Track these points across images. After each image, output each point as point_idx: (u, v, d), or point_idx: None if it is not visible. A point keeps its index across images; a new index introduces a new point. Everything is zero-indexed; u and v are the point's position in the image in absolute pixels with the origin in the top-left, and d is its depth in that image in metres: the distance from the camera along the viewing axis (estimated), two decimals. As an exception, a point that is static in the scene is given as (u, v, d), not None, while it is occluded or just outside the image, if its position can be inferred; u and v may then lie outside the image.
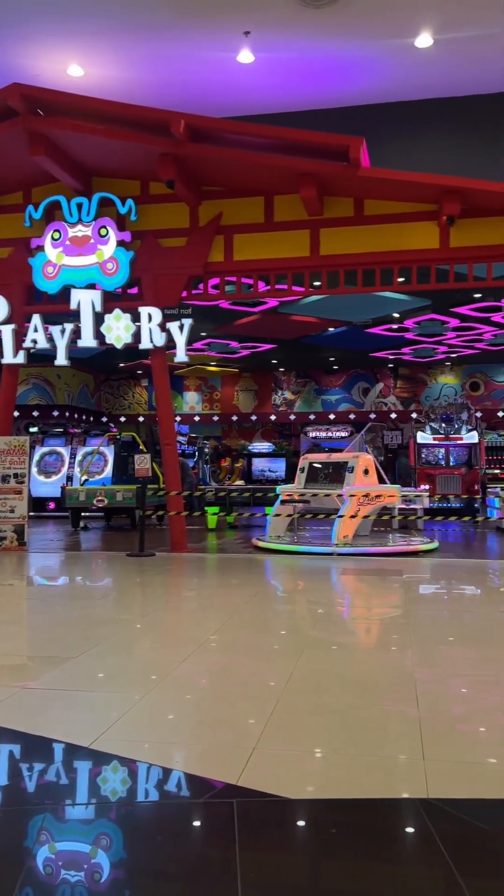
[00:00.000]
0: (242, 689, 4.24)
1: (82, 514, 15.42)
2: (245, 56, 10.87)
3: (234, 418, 25.05)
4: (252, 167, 9.83)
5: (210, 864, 2.41)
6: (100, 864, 2.38)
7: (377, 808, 2.77)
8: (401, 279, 10.52)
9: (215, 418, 25.15)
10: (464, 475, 18.18)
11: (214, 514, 14.67)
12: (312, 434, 24.55)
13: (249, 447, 24.57)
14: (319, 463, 12.56)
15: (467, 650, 5.24)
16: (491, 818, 2.69)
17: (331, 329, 17.57)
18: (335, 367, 24.14)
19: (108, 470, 16.83)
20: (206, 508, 14.98)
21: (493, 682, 4.40)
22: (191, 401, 25.31)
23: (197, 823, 2.70)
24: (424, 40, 10.47)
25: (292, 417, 24.80)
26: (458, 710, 3.90)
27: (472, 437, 18.78)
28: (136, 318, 10.80)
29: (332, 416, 24.44)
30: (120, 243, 10.70)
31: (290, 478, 18.46)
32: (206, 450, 21.87)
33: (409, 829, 2.63)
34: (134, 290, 11.06)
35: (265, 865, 2.39)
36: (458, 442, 18.76)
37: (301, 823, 2.72)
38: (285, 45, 10.66)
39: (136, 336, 10.80)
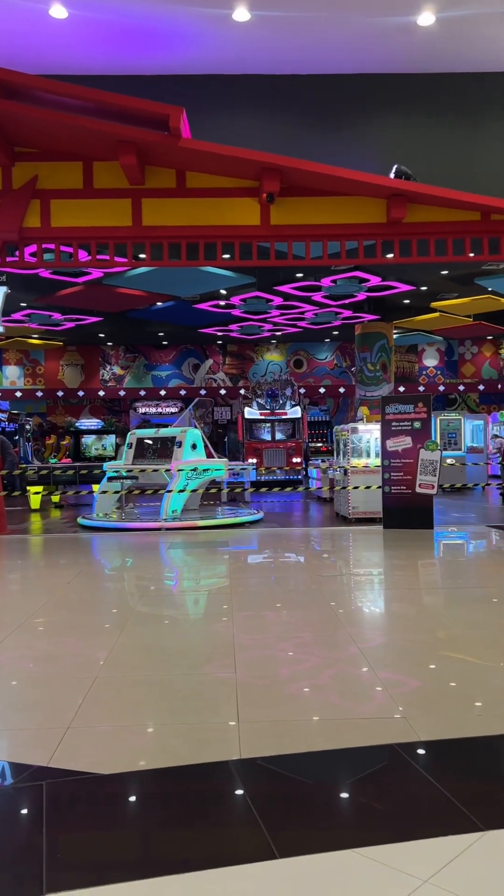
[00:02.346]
0: (60, 669, 4.11)
1: None
2: (58, 11, 10.30)
3: (60, 394, 24.16)
4: (69, 130, 9.38)
5: (15, 849, 2.31)
6: None
7: (192, 774, 2.80)
8: (225, 255, 10.59)
9: (39, 394, 24.11)
10: (288, 448, 18.88)
11: (38, 493, 14.11)
12: (142, 410, 24.31)
13: (77, 424, 23.85)
14: (148, 438, 12.46)
15: (288, 615, 5.45)
16: (300, 770, 2.81)
17: (159, 303, 17.38)
18: (165, 343, 24.00)
19: None
20: (28, 488, 14.36)
21: (311, 644, 4.61)
22: (11, 375, 24.04)
23: (4, 810, 2.57)
24: (241, 14, 10.49)
25: (122, 393, 24.37)
26: (275, 673, 4.04)
27: (295, 413, 19.53)
28: None
29: (162, 392, 24.32)
30: None
31: (119, 455, 18.16)
32: (29, 427, 20.92)
33: (222, 791, 2.68)
34: None
35: (75, 844, 2.33)
36: (283, 417, 19.43)
37: (115, 798, 2.68)
38: (100, 4, 10.23)
39: None
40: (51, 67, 11.48)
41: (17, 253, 10.38)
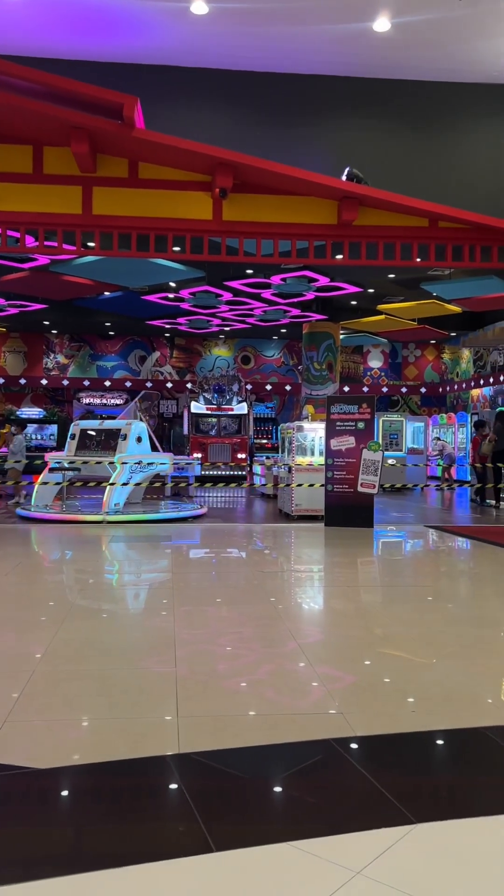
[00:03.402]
0: (-4, 664, 4.04)
1: None
2: (12, -11, 10.05)
3: (1, 381, 23.61)
4: (18, 112, 9.15)
5: None
6: None
7: (128, 768, 2.80)
8: (175, 248, 10.52)
9: (-21, 381, 23.51)
10: (234, 444, 18.91)
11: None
12: (86, 400, 23.97)
13: (18, 412, 23.33)
14: (92, 430, 12.30)
15: (228, 610, 5.48)
16: (237, 764, 2.84)
17: (106, 293, 17.15)
18: (111, 333, 23.70)
19: None
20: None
21: (251, 640, 4.65)
22: (-49, 361, 23.38)
23: None
24: (199, 7, 10.44)
25: (65, 382, 23.97)
26: (215, 668, 4.06)
27: (242, 408, 19.56)
28: None
29: (107, 383, 24.02)
30: None
31: (62, 445, 17.87)
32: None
33: (159, 785, 2.69)
34: None
35: (7, 838, 2.31)
36: (230, 412, 19.45)
37: (48, 793, 2.66)
38: (57, -15, 10.04)
39: None
40: (3, 48, 11.19)
41: (-39, 235, 10.10)
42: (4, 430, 20.51)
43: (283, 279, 15.12)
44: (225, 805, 2.55)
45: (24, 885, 2.04)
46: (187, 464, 15.23)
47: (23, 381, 23.74)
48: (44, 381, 23.83)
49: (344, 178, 10.37)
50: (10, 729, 3.07)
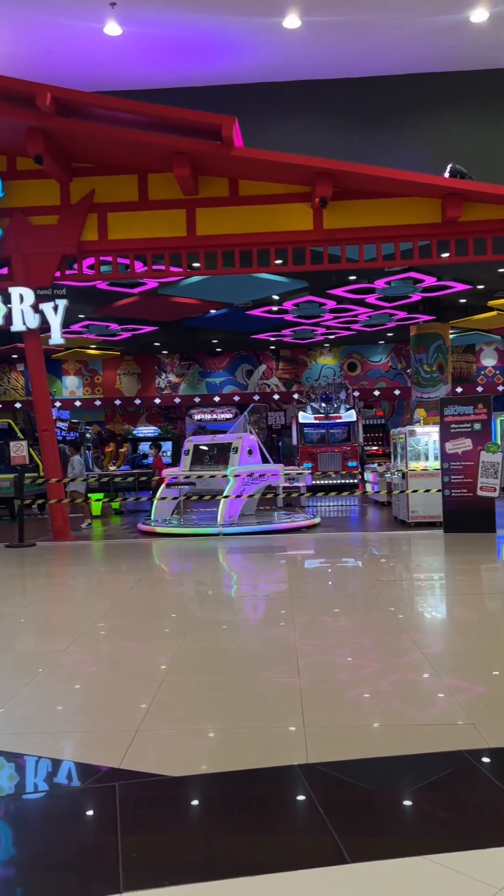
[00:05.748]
0: (126, 673, 4.19)
1: (-43, 506, 14.68)
2: (112, 28, 10.54)
3: (118, 402, 24.59)
4: (124, 144, 9.60)
5: (92, 850, 2.38)
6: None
7: (258, 778, 2.82)
8: (277, 261, 10.63)
9: (97, 403, 24.59)
10: (344, 452, 18.77)
11: (98, 500, 14.39)
12: (198, 417, 24.53)
13: (134, 431, 24.21)
14: (204, 445, 12.57)
15: (347, 621, 5.43)
16: (366, 775, 2.80)
17: (212, 311, 17.55)
18: (218, 350, 24.18)
19: (-16, 460, 16.08)
20: (89, 495, 14.66)
21: (372, 650, 4.59)
22: (71, 385, 24.59)
23: (80, 811, 2.65)
24: (292, 21, 10.55)
25: (177, 400, 24.65)
26: (337, 678, 4.03)
27: (350, 416, 19.39)
28: (6, 299, 10.33)
29: (216, 399, 24.50)
30: (-14, 221, 10.18)
31: (176, 461, 18.38)
32: (89, 435, 21.36)
33: (289, 795, 2.70)
34: (3, 271, 10.57)
35: (147, 844, 2.38)
36: (338, 420, 19.32)
37: (182, 800, 2.73)
38: (153, 19, 10.43)
39: (8, 318, 10.35)
40: (106, 83, 11.76)
41: (75, 266, 10.65)
42: (123, 449, 21.33)
43: (388, 282, 14.91)
44: (357, 816, 2.53)
45: (169, 890, 2.10)
46: (298, 474, 15.25)
47: (138, 402, 24.62)
48: (157, 401, 24.62)
49: (447, 174, 10.14)
50: (141, 738, 3.17)
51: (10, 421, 17.33)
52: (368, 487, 15.91)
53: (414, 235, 10.14)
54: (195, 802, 2.71)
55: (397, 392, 23.88)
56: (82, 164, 10.26)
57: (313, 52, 11.38)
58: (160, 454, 15.17)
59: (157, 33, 10.81)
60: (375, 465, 16.12)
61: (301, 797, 2.65)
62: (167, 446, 23.28)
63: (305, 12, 10.39)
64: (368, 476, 16.21)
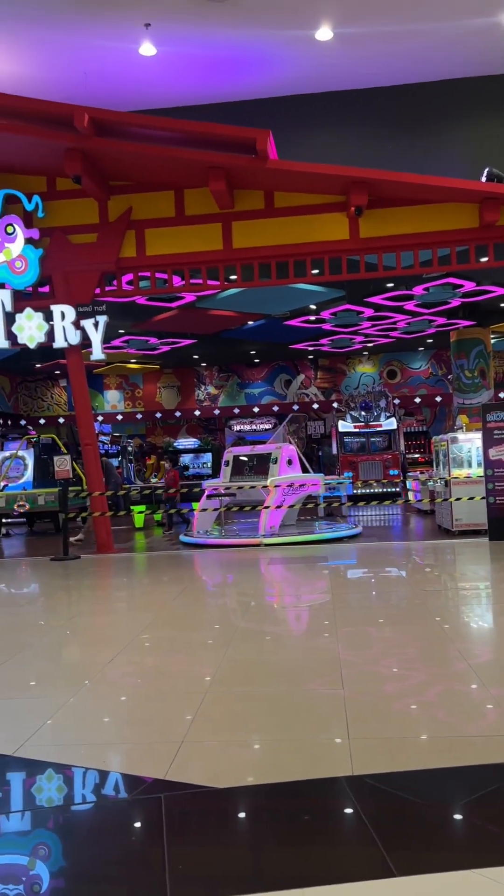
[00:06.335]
0: (170, 685, 4.22)
1: (3, 520, 14.99)
2: (147, 49, 10.74)
3: (158, 415, 24.84)
4: (160, 161, 9.75)
5: (139, 861, 2.39)
6: (38, 876, 2.33)
7: (303, 789, 2.81)
8: (314, 271, 10.65)
9: (139, 416, 24.89)
10: (385, 460, 18.62)
11: (141, 512, 14.53)
12: (237, 427, 24.62)
13: (175, 444, 24.43)
14: (244, 456, 12.61)
15: (391, 631, 5.38)
16: (413, 788, 2.77)
17: (250, 322, 17.64)
18: (256, 361, 24.27)
19: (29, 474, 16.40)
20: (131, 508, 14.82)
21: (417, 660, 4.53)
22: (112, 400, 24.94)
23: (127, 822, 2.68)
24: (324, 33, 10.60)
25: (217, 412, 24.80)
26: (382, 689, 3.99)
27: (391, 424, 19.23)
28: (48, 316, 10.55)
29: (255, 409, 24.57)
30: (28, 241, 10.43)
31: (217, 472, 18.48)
32: (130, 448, 21.62)
33: (335, 807, 2.69)
34: (45, 289, 10.81)
35: (192, 856, 2.39)
36: (378, 429, 19.19)
37: (228, 812, 2.73)
38: (187, 38, 10.60)
39: (50, 335, 10.57)
40: (141, 102, 11.97)
41: (114, 282, 10.82)
42: (164, 462, 21.50)
43: (426, 289, 14.80)
44: (404, 829, 2.50)
45: (212, 901, 2.10)
46: (339, 483, 15.18)
47: (178, 414, 24.84)
48: (197, 413, 24.80)
49: (483, 178, 10.05)
50: (187, 749, 3.19)
51: (54, 436, 17.65)
52: (411, 496, 15.75)
53: (451, 241, 10.06)
54: (241, 814, 2.71)
55: (438, 399, 23.62)
56: (119, 182, 10.45)
57: (345, 62, 11.41)
58: (175, 468, 15.16)
59: (191, 52, 10.97)
60: (417, 473, 15.95)
61: (347, 809, 2.63)
62: (206, 457, 23.42)
63: (337, 24, 10.43)
64: (410, 484, 16.04)
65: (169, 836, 2.48)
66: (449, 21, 10.48)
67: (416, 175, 9.75)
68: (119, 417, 24.73)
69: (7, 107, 9.50)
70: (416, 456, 21.64)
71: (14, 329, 10.60)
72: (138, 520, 14.38)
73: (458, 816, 2.56)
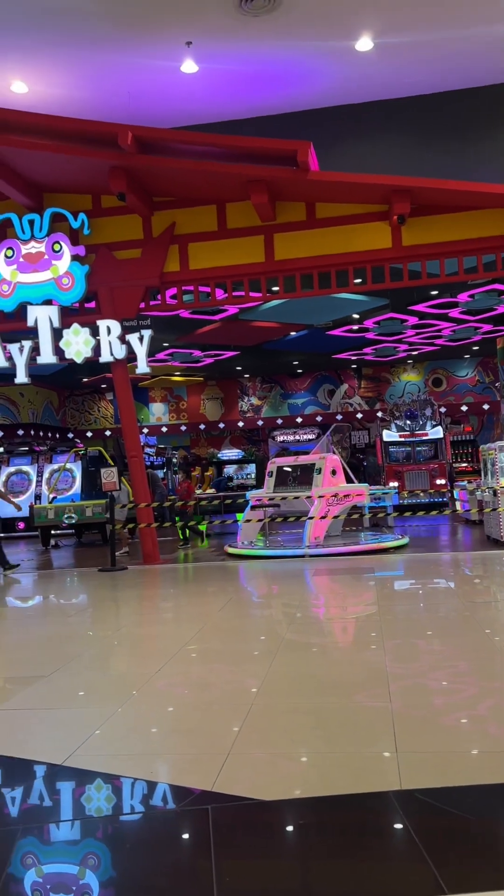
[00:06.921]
0: (217, 696, 4.23)
1: (52, 531, 15.26)
2: (189, 66, 10.90)
3: (202, 427, 25.02)
4: (202, 176, 9.87)
5: (187, 872, 2.40)
6: (88, 885, 2.36)
7: (351, 803, 2.78)
8: (356, 280, 10.62)
9: (183, 428, 25.10)
10: (431, 470, 18.38)
11: (197, 523, 14.60)
12: (280, 438, 24.63)
13: (219, 455, 24.57)
14: (288, 466, 12.60)
15: (441, 643, 5.29)
16: (463, 804, 2.72)
17: (292, 333, 17.67)
18: (299, 371, 24.27)
19: (77, 486, 16.69)
20: (176, 519, 14.91)
21: (467, 674, 4.45)
22: (157, 412, 25.23)
23: (174, 833, 2.68)
24: (365, 44, 10.61)
25: (260, 423, 24.85)
26: (431, 702, 3.93)
27: (437, 433, 18.99)
28: (94, 331, 10.75)
29: (299, 420, 24.55)
30: (74, 258, 10.66)
31: (261, 483, 18.49)
32: (175, 460, 21.82)
33: (383, 823, 2.65)
34: (91, 304, 11.02)
35: (240, 869, 2.39)
36: (424, 438, 18.96)
37: (275, 825, 2.72)
38: (228, 53, 10.73)
39: (96, 350, 10.76)
40: (184, 118, 12.14)
41: (158, 297, 10.97)
42: (208, 472, 21.62)
43: (472, 295, 14.63)
44: (454, 846, 2.45)
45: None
46: (384, 493, 15.03)
47: (221, 426, 24.98)
48: (240, 424, 24.90)
49: (528, 183, 9.89)
50: (233, 761, 3.19)
51: (101, 448, 17.92)
52: (458, 506, 15.50)
53: (496, 247, 9.93)
54: (288, 828, 2.70)
55: (486, 406, 23.26)
56: (163, 197, 10.62)
57: (386, 72, 11.39)
58: (188, 479, 15.13)
59: (232, 67, 11.09)
60: (465, 482, 15.69)
61: (396, 825, 2.59)
62: (250, 468, 23.46)
63: (378, 34, 10.43)
64: (458, 494, 15.80)
65: (216, 847, 2.48)
66: (488, 27, 10.39)
67: (458, 182, 9.66)
68: (164, 429, 24.99)
69: (54, 128, 9.75)
70: (464, 465, 21.31)
71: (62, 344, 10.83)
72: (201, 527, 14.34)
73: (510, 834, 2.50)
